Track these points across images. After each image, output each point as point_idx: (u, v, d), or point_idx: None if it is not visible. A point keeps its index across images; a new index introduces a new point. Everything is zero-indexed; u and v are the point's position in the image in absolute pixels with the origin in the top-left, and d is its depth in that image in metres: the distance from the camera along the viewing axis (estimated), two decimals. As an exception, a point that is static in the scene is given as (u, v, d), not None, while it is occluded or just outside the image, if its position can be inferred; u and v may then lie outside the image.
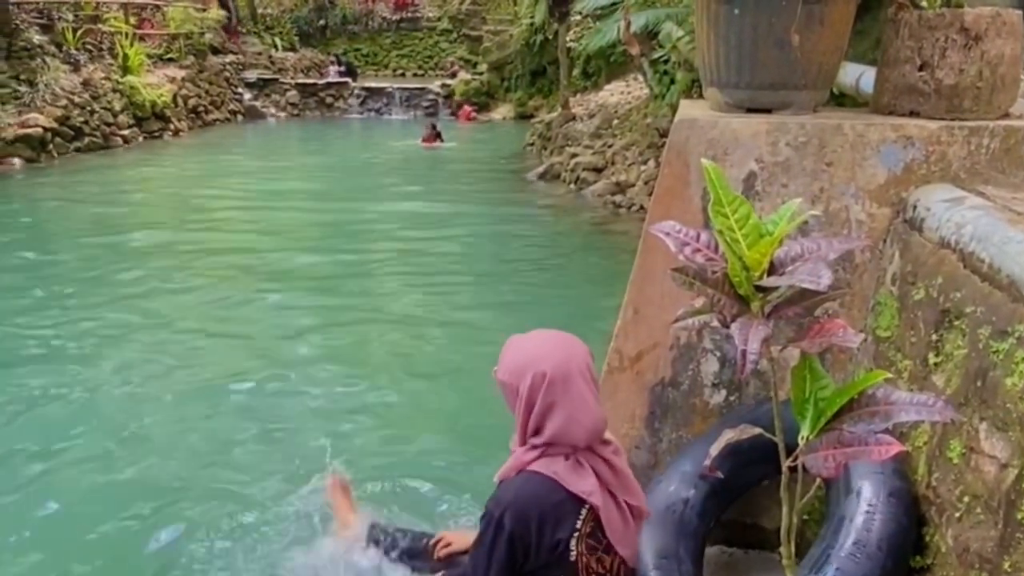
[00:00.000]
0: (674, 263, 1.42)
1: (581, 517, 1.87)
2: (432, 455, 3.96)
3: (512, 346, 1.95)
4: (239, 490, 3.63)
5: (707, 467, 1.52)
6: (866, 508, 1.95)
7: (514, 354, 1.92)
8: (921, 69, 2.43)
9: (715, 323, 1.44)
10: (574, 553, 1.85)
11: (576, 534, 1.86)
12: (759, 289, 1.34)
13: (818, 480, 1.52)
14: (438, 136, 15.67)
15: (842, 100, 3.48)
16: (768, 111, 2.52)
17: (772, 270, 1.35)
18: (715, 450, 1.48)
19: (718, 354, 2.55)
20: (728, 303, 1.33)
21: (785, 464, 1.40)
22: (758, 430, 1.45)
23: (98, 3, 16.50)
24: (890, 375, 1.37)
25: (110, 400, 4.61)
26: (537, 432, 1.87)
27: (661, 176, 2.58)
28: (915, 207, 2.30)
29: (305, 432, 4.18)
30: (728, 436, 1.46)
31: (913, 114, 2.47)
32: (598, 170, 10.89)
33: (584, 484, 1.86)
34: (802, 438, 1.35)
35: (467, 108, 20.36)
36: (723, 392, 2.57)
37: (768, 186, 2.44)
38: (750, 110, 2.54)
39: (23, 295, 6.48)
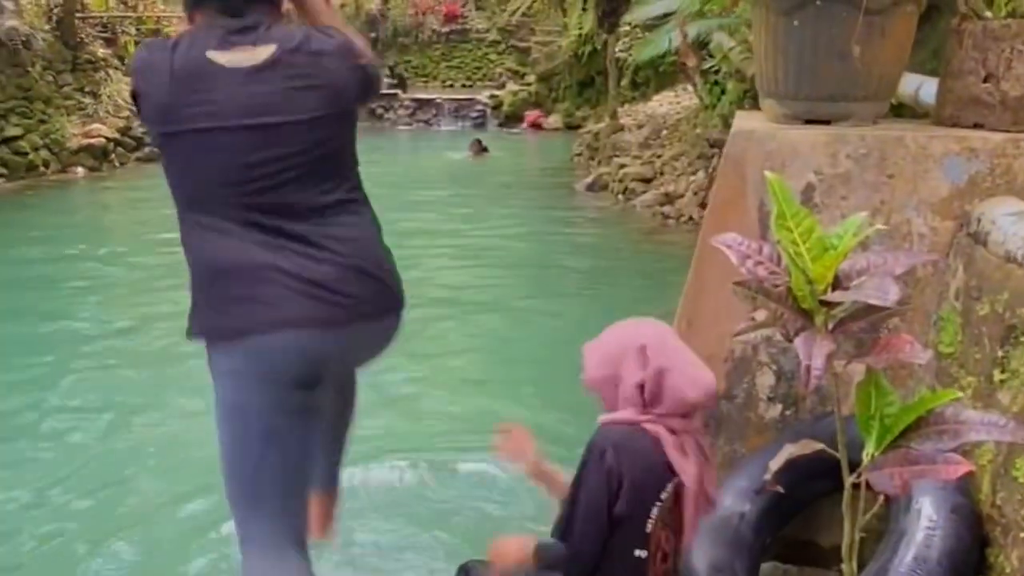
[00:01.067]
0: (732, 276, 1.43)
1: (667, 490, 1.88)
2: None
3: (594, 347, 1.98)
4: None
5: (767, 482, 1.50)
6: (927, 524, 1.92)
7: (601, 350, 1.95)
8: (986, 80, 2.39)
9: (774, 336, 1.44)
10: (652, 522, 1.86)
11: (659, 503, 1.87)
12: (823, 303, 1.33)
13: (881, 498, 1.51)
14: (484, 150, 15.84)
15: (901, 111, 3.43)
16: (827, 123, 2.49)
17: (836, 284, 1.34)
18: (776, 465, 1.47)
19: (774, 367, 2.52)
20: (791, 317, 1.33)
21: (849, 480, 1.38)
22: (820, 445, 1.44)
23: (159, 17, 17.00)
24: (959, 394, 1.35)
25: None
26: (654, 403, 1.88)
27: (716, 188, 2.57)
28: (980, 221, 2.26)
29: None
30: (789, 451, 1.45)
31: (977, 126, 2.42)
32: (647, 181, 10.83)
33: (682, 459, 1.87)
34: (867, 455, 1.33)
35: (533, 114, 19.77)
36: (779, 406, 2.54)
37: (827, 198, 2.41)
38: (808, 121, 2.52)
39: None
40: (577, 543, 1.87)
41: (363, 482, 3.60)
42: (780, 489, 1.58)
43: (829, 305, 1.33)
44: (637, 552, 1.87)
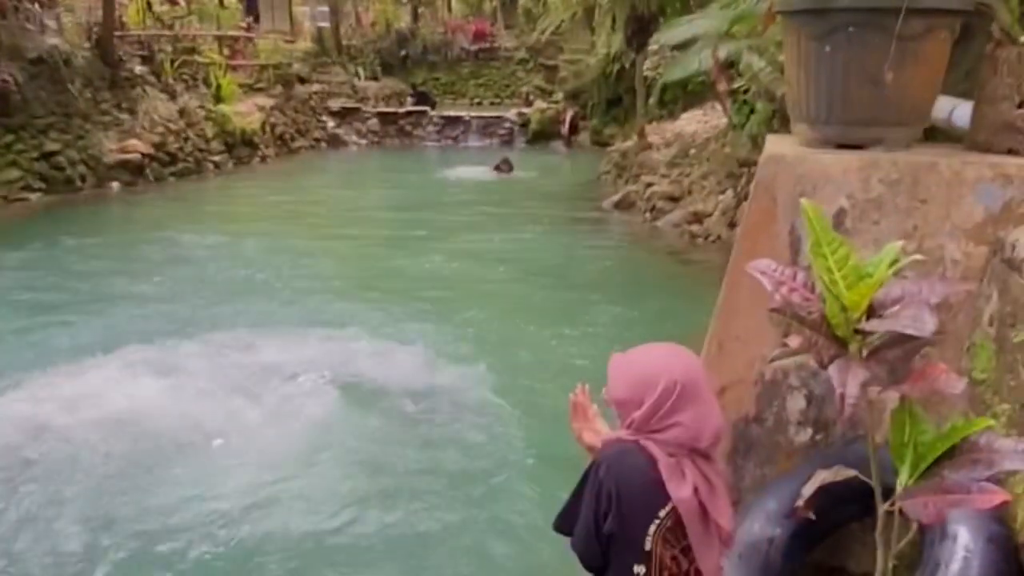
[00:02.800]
0: (763, 299, 1.44)
1: (665, 508, 1.86)
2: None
3: (624, 366, 1.94)
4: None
5: (799, 507, 1.51)
6: (963, 554, 1.90)
7: (631, 372, 1.92)
8: (1020, 106, 2.38)
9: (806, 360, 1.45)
10: (650, 540, 1.86)
11: (656, 522, 1.87)
12: (857, 332, 1.35)
13: (914, 525, 1.50)
14: (509, 168, 16.04)
15: (933, 134, 3.41)
16: (859, 147, 2.50)
17: (871, 312, 1.35)
18: (809, 490, 1.48)
19: (804, 392, 2.52)
20: (826, 344, 1.34)
21: (882, 508, 1.39)
22: (854, 472, 1.45)
23: (194, 36, 17.34)
24: (992, 422, 1.35)
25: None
26: (661, 433, 1.87)
27: (748, 211, 2.58)
28: (1014, 247, 2.24)
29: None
30: (822, 476, 1.45)
31: (1012, 152, 2.41)
32: (674, 199, 10.82)
33: (678, 481, 1.85)
34: (900, 483, 1.34)
35: (570, 113, 19.97)
36: (809, 431, 2.53)
37: (859, 223, 2.41)
38: (840, 146, 2.52)
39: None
40: (578, 550, 1.90)
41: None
42: (811, 515, 1.58)
43: (864, 333, 1.34)
44: (636, 568, 1.87)
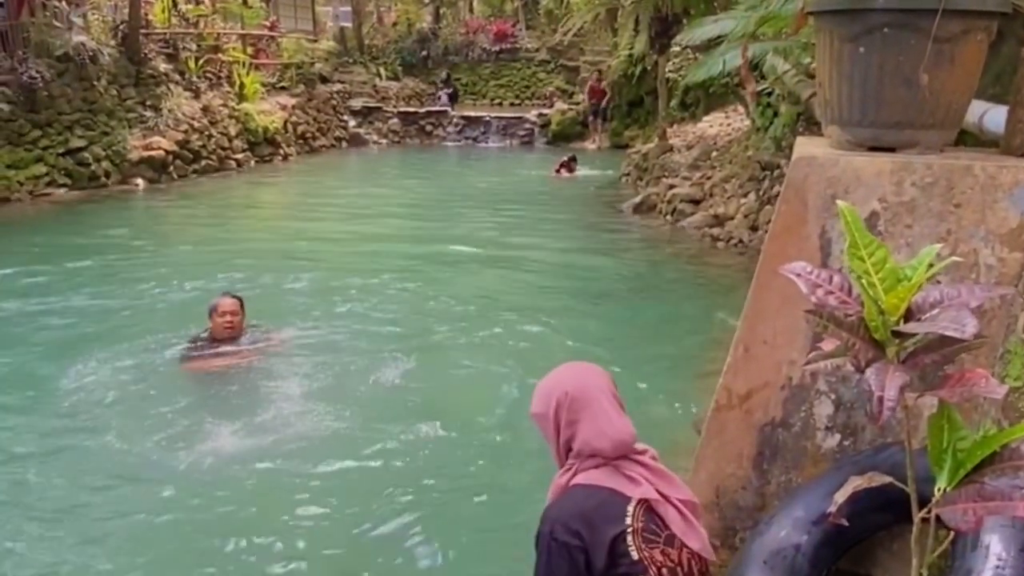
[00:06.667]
0: (791, 303, 1.43)
1: (629, 513, 1.93)
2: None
3: (539, 385, 2.13)
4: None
5: (832, 513, 1.49)
6: (996, 563, 1.87)
7: (540, 389, 2.10)
8: (1058, 110, 2.34)
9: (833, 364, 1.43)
10: (634, 548, 1.89)
11: (629, 529, 1.92)
12: (895, 334, 1.32)
13: (951, 533, 1.48)
14: (571, 168, 15.63)
15: (964, 138, 3.36)
16: (892, 150, 2.46)
17: (909, 315, 1.33)
18: (842, 496, 1.45)
19: (833, 396, 2.49)
20: (863, 348, 1.32)
21: (918, 515, 1.36)
22: (888, 478, 1.42)
23: (219, 34, 17.48)
24: (1032, 428, 1.32)
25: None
26: (569, 449, 2.03)
27: (777, 213, 2.55)
28: (1051, 253, 2.21)
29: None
30: (856, 482, 1.43)
31: (1049, 156, 2.37)
32: (696, 202, 10.77)
33: (624, 483, 1.96)
34: (938, 489, 1.31)
35: (599, 87, 19.84)
36: (836, 436, 2.50)
37: (892, 226, 2.38)
38: (872, 148, 2.49)
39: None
40: None
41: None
42: (844, 522, 1.55)
43: (901, 336, 1.32)
44: None
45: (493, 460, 4.34)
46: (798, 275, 1.43)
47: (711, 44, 9.35)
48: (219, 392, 5.11)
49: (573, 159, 15.80)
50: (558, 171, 15.49)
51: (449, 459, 4.34)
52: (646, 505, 1.95)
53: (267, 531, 3.66)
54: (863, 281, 1.33)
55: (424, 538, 3.62)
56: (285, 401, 4.95)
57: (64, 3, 13.83)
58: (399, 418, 4.75)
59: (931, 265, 1.33)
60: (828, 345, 1.43)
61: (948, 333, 1.23)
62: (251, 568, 3.44)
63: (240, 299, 5.52)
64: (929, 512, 1.33)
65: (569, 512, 1.92)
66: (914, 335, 1.32)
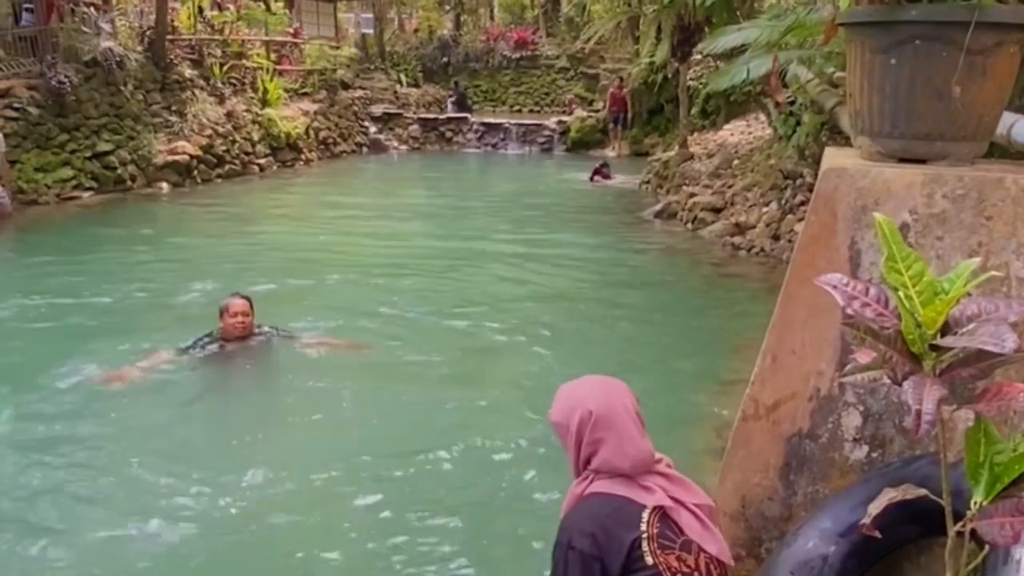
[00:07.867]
0: (819, 313, 1.43)
1: (644, 519, 1.95)
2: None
3: (562, 391, 2.13)
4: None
5: (865, 524, 1.49)
6: (1028, 580, 1.85)
7: (564, 398, 2.10)
8: (1092, 122, 2.33)
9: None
10: (649, 555, 1.91)
11: (644, 535, 1.93)
12: (932, 348, 1.33)
13: (985, 547, 1.48)
14: (605, 175, 15.69)
15: (991, 149, 3.34)
16: (922, 162, 2.46)
17: (947, 329, 1.33)
18: (876, 508, 1.46)
19: (861, 408, 2.48)
20: (900, 361, 1.32)
21: (953, 529, 1.37)
22: (923, 491, 1.43)
23: (243, 40, 17.67)
24: (1073, 444, 1.32)
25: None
26: (588, 463, 2.04)
27: (806, 224, 2.55)
28: (1084, 266, 2.19)
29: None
30: (891, 495, 1.43)
31: (1082, 168, 2.36)
32: (717, 210, 10.75)
33: (639, 492, 1.98)
34: (975, 503, 1.32)
35: (619, 92, 19.75)
36: (865, 448, 2.49)
37: (922, 238, 2.37)
38: (903, 160, 2.49)
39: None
40: None
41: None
42: (877, 534, 1.56)
43: (939, 350, 1.33)
44: None
45: (520, 472, 4.32)
46: (834, 287, 1.43)
47: (733, 53, 9.35)
48: (228, 391, 5.16)
49: (605, 165, 15.83)
50: (592, 178, 15.51)
51: (474, 472, 4.31)
52: (661, 512, 1.97)
53: (287, 540, 3.65)
54: (900, 294, 1.33)
55: (455, 550, 3.58)
56: (299, 405, 4.96)
57: (92, 9, 14.05)
58: (421, 424, 4.76)
59: (970, 278, 1.34)
60: (862, 357, 1.44)
61: (988, 348, 1.23)
62: None
63: (250, 299, 5.55)
64: (964, 526, 1.33)
65: (585, 520, 1.95)
66: (951, 348, 1.33)
